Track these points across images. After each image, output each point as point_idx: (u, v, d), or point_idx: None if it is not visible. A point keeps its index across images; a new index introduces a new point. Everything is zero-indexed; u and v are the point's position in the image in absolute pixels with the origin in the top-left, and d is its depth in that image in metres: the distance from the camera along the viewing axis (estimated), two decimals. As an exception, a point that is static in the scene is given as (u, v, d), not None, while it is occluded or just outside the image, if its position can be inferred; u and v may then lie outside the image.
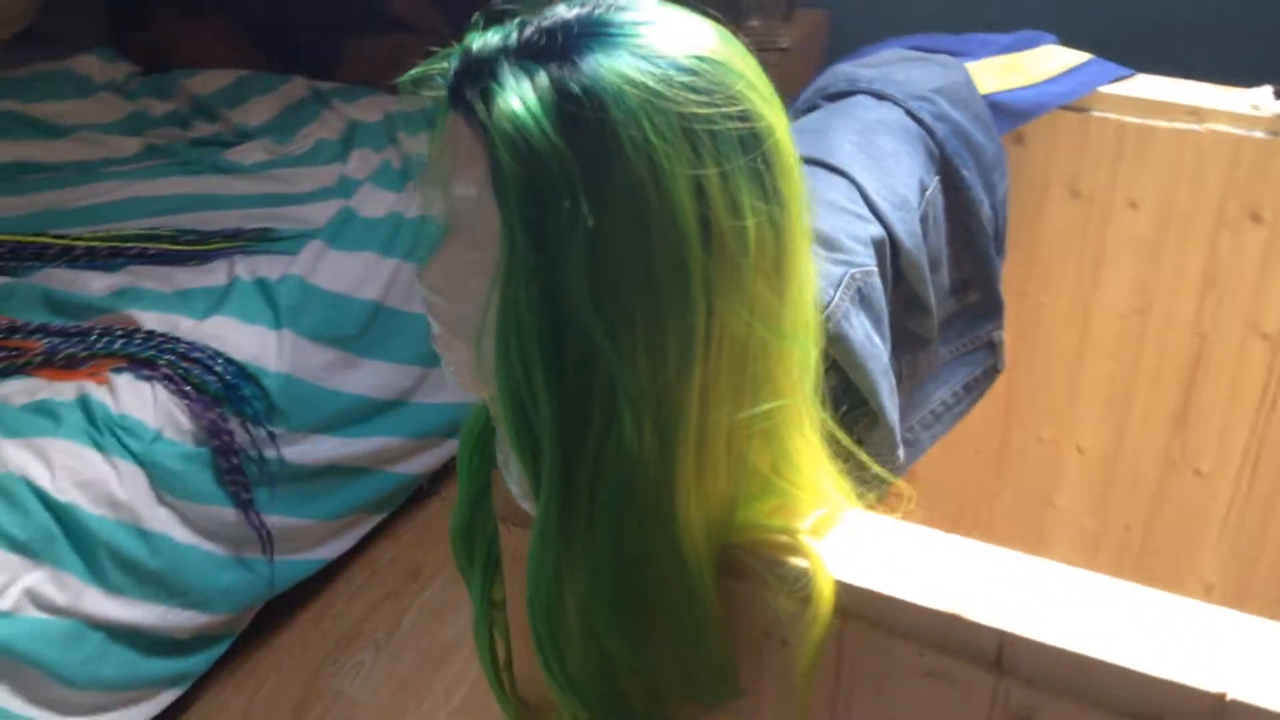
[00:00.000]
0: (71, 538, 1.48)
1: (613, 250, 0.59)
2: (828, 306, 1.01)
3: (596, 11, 0.63)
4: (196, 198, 2.06)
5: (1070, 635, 0.63)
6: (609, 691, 0.69)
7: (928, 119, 1.25)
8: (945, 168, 1.25)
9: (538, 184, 0.58)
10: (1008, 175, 1.35)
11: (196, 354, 1.66)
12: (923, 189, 1.18)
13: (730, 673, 0.71)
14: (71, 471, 1.49)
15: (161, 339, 1.66)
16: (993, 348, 1.37)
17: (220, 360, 1.68)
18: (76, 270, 1.84)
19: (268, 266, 1.86)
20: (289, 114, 2.39)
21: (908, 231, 1.12)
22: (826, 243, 1.05)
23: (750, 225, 0.62)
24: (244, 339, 1.73)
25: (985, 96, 1.35)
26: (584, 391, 0.62)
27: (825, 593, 0.67)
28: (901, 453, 1.09)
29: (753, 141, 0.62)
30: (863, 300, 1.05)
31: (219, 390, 1.66)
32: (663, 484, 0.64)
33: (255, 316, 1.77)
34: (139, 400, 1.58)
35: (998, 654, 0.65)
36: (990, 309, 1.35)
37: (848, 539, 0.71)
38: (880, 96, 1.26)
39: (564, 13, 0.63)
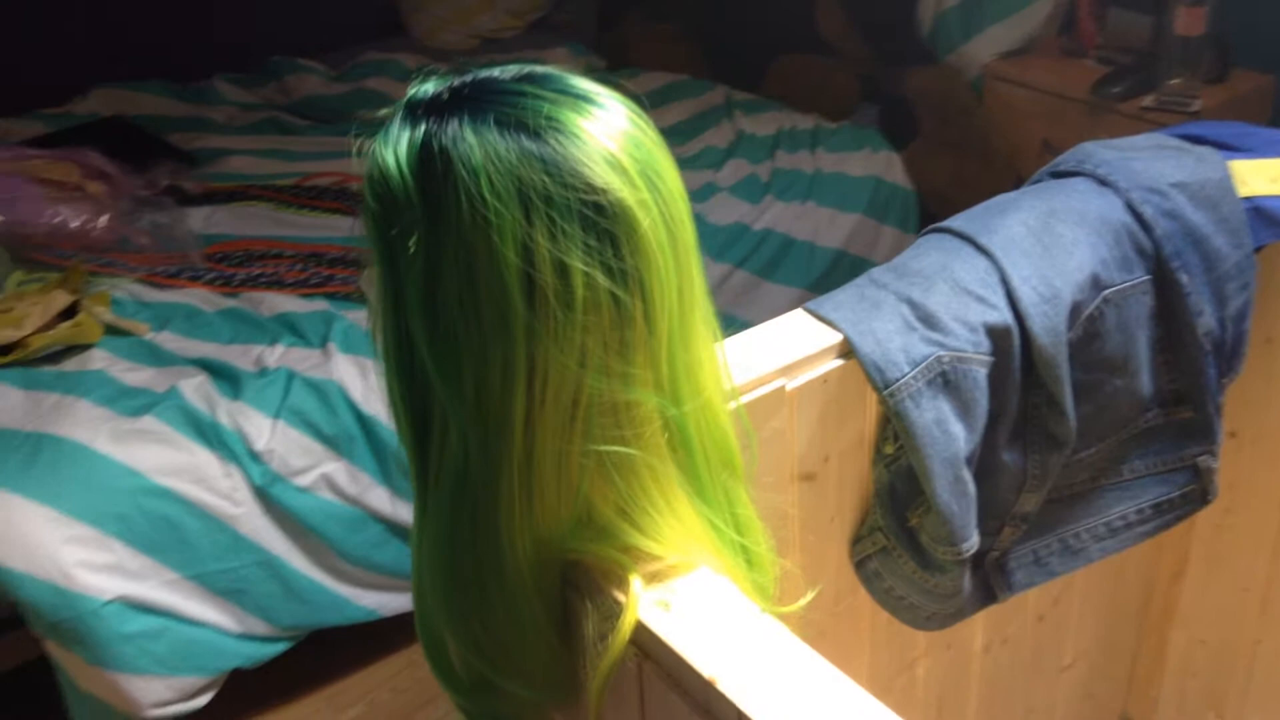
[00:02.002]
0: (371, 443, 1.79)
1: (444, 286, 0.69)
2: (896, 381, 1.01)
3: (498, 77, 0.72)
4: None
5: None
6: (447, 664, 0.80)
7: (1149, 214, 1.15)
8: (1160, 269, 1.15)
9: (391, 221, 0.70)
10: (1252, 288, 1.20)
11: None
12: (1098, 286, 1.10)
13: (553, 674, 0.78)
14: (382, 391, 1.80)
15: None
16: (1197, 472, 1.23)
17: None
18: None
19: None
20: (697, 120, 2.59)
21: (1045, 326, 1.06)
22: (927, 319, 1.04)
23: (579, 288, 0.68)
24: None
25: (1248, 200, 1.21)
26: (425, 405, 0.73)
27: (626, 627, 0.73)
28: (965, 546, 1.05)
29: (596, 217, 0.68)
30: (946, 385, 1.02)
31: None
32: (489, 491, 0.73)
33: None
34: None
35: (739, 731, 0.68)
36: (1201, 430, 1.22)
37: (681, 591, 0.75)
38: (1103, 182, 1.19)
39: (474, 74, 0.73)
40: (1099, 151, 1.24)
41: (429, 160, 0.68)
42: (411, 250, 0.69)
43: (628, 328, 0.71)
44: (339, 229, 2.22)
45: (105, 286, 1.96)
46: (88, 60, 2.98)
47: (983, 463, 1.11)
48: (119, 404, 1.68)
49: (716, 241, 2.17)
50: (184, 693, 1.65)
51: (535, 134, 0.68)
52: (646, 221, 0.70)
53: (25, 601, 1.50)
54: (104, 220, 2.08)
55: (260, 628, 1.72)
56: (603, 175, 0.68)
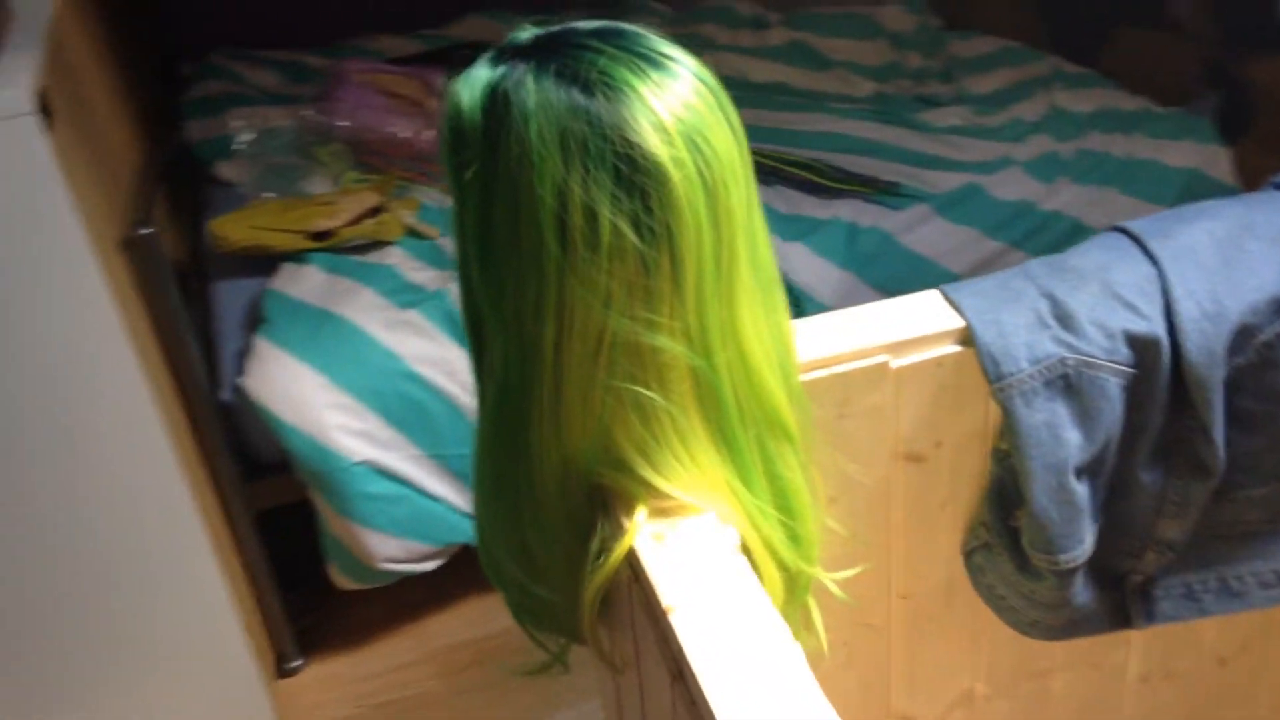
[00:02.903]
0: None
1: (494, 217, 0.77)
2: (1010, 376, 0.99)
3: (576, 29, 0.78)
4: (871, 143, 2.32)
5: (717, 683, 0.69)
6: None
7: (1377, 239, 1.04)
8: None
9: (459, 152, 0.78)
10: None
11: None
12: (1278, 310, 1.01)
13: (571, 583, 0.85)
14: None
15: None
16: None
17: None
18: (742, 176, 2.23)
19: (869, 215, 2.07)
20: (1016, 90, 2.49)
21: (1201, 345, 0.99)
22: (1064, 319, 1.00)
23: (605, 234, 0.74)
24: (808, 267, 1.99)
25: None
26: (479, 323, 0.83)
27: (621, 549, 0.79)
28: (1063, 558, 1.01)
29: (628, 170, 0.74)
30: (1067, 389, 0.99)
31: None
32: (523, 409, 0.81)
33: (830, 253, 2.01)
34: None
35: (678, 671, 0.73)
36: None
37: (680, 529, 0.80)
38: (1332, 198, 1.07)
39: (559, 26, 0.79)
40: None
41: (494, 101, 0.76)
42: (469, 180, 0.78)
43: (653, 277, 0.76)
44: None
45: (416, 193, 2.21)
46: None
47: (1119, 479, 1.06)
48: (396, 296, 1.90)
49: (995, 217, 2.09)
50: (414, 555, 1.87)
51: (587, 87, 0.74)
52: (678, 177, 0.74)
53: (290, 450, 1.76)
54: (429, 134, 2.32)
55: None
56: (639, 131, 0.73)
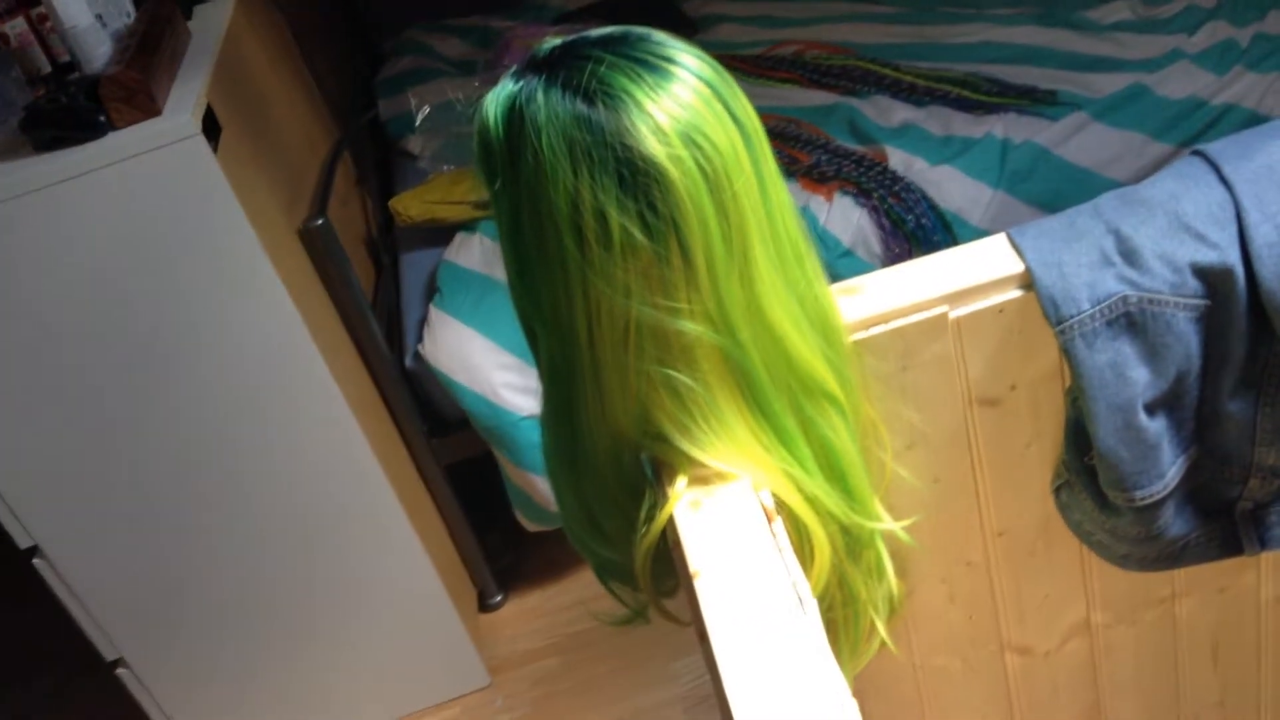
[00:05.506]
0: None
1: (520, 221, 0.84)
2: (1071, 319, 0.99)
3: (586, 39, 0.84)
4: (1030, 49, 2.23)
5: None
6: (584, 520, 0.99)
7: None
8: None
9: (488, 160, 0.86)
10: None
11: (906, 193, 1.96)
12: (1371, 228, 0.96)
13: (628, 545, 0.93)
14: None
15: (885, 175, 1.99)
16: None
17: (924, 205, 1.95)
18: (895, 101, 2.21)
19: (1022, 128, 2.00)
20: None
21: (1277, 271, 0.96)
22: (1129, 255, 0.99)
23: (616, 233, 0.80)
24: (959, 190, 1.96)
25: None
26: (525, 313, 0.91)
27: (663, 516, 0.87)
28: (1138, 494, 1.01)
29: (630, 173, 0.79)
30: (1130, 327, 0.98)
31: (913, 229, 1.95)
32: (569, 390, 0.89)
33: (981, 173, 1.97)
34: (844, 220, 1.96)
35: (703, 632, 0.80)
36: None
37: (717, 496, 0.87)
38: None
39: (565, 40, 0.85)
40: None
41: (513, 115, 0.83)
42: (499, 190, 0.86)
43: (666, 267, 0.82)
44: (787, 99, 2.36)
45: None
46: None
47: (1209, 409, 1.04)
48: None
49: (1161, 118, 1.99)
50: (589, 498, 2.00)
51: (588, 97, 0.80)
52: (678, 174, 0.80)
53: (467, 409, 1.91)
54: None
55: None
56: (637, 135, 0.79)
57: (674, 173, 0.80)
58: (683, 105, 0.81)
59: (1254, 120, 1.95)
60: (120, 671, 1.83)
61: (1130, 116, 1.99)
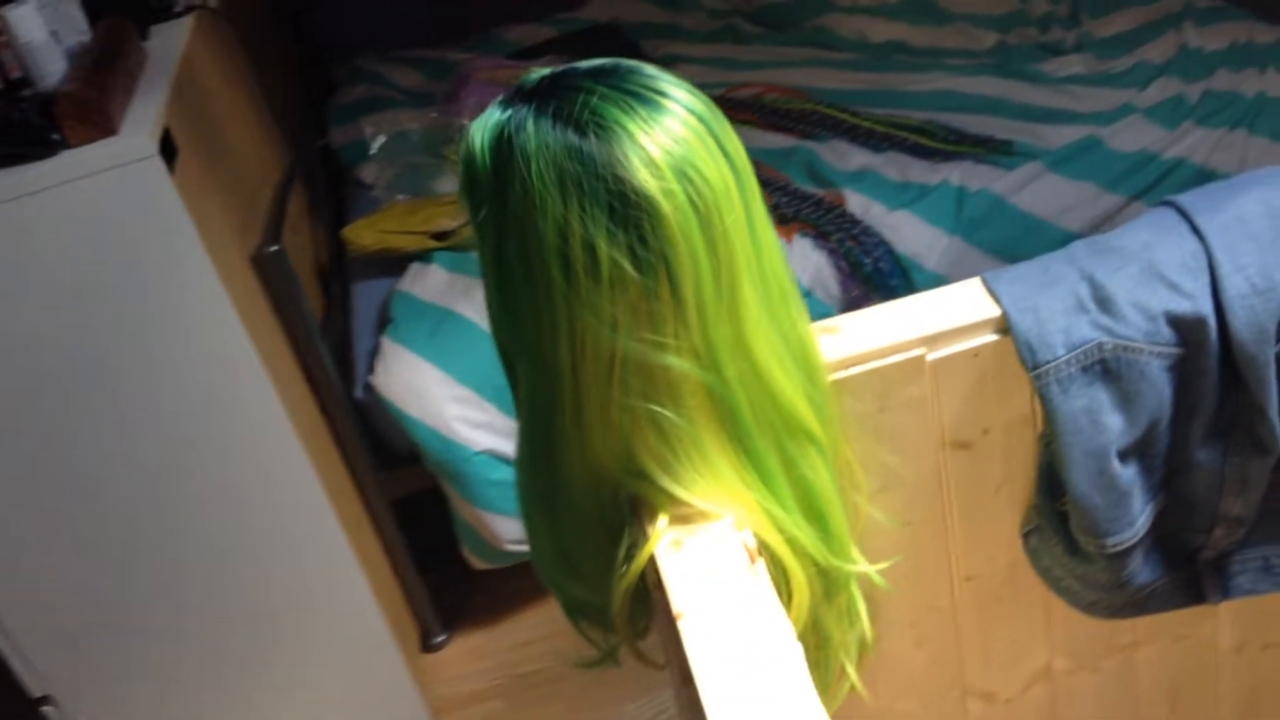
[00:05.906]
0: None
1: (505, 252, 0.82)
2: (1046, 364, 1.00)
3: (576, 69, 0.83)
4: (987, 99, 2.27)
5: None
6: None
7: None
8: None
9: (473, 191, 0.84)
10: None
11: (864, 237, 1.97)
12: (1338, 281, 0.98)
13: (606, 585, 0.91)
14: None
15: (844, 218, 2.00)
16: None
17: (882, 249, 1.96)
18: (852, 146, 2.23)
19: (978, 176, 2.03)
20: (1140, 31, 2.38)
21: (1250, 322, 0.97)
22: (1103, 302, 1.00)
23: (605, 266, 0.79)
24: (915, 235, 1.98)
25: None
26: (505, 344, 0.89)
27: (644, 555, 0.85)
28: (1109, 542, 1.01)
29: (621, 205, 0.78)
30: (1105, 374, 0.99)
31: (870, 273, 1.96)
32: (549, 426, 0.87)
33: (937, 219, 1.99)
34: (804, 261, 1.97)
35: (688, 675, 0.78)
36: None
37: (698, 536, 0.85)
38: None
39: (555, 71, 0.84)
40: None
41: (500, 144, 0.82)
42: (484, 219, 0.84)
43: (654, 301, 0.81)
44: (746, 140, 2.35)
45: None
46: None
47: (1177, 458, 1.05)
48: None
49: (1113, 170, 2.03)
50: (541, 536, 1.97)
51: (579, 128, 0.79)
52: (669, 208, 0.79)
53: (418, 443, 1.88)
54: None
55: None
56: (629, 168, 0.78)
57: (666, 206, 0.79)
58: (675, 138, 0.80)
59: (1203, 175, 2.00)
60: (46, 709, 1.75)
61: (1083, 168, 2.03)
